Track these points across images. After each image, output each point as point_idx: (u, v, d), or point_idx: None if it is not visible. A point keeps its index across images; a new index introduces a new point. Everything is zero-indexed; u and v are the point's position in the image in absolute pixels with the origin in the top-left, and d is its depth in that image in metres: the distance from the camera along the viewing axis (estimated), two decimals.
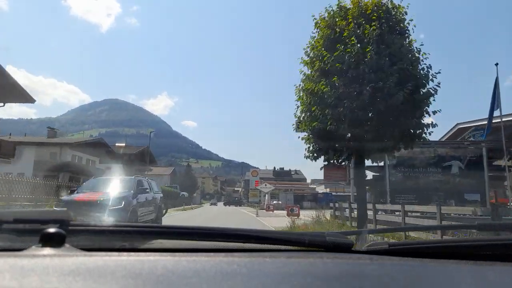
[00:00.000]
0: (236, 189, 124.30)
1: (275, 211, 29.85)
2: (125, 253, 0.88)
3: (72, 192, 10.93)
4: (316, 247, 0.99)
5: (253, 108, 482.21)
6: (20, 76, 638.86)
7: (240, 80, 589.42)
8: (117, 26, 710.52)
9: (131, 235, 1.04)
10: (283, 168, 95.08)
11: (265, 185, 28.34)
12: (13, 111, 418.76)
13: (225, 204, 64.16)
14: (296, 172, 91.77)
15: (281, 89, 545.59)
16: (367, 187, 10.55)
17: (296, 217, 20.41)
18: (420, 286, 0.76)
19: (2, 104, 21.03)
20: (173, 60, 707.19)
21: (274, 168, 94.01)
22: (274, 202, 37.58)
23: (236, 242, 1.01)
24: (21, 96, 21.81)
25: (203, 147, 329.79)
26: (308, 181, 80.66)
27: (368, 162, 9.24)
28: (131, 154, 44.04)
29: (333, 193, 53.25)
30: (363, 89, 7.27)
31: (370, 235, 2.16)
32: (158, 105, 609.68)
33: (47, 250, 0.85)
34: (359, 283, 0.74)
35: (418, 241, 1.03)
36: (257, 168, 63.92)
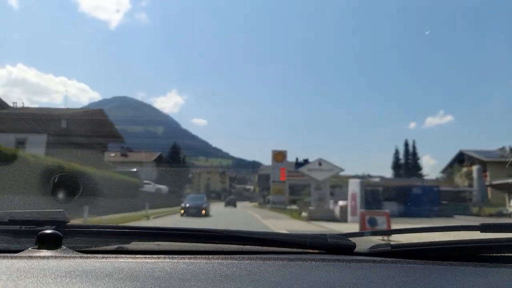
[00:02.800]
0: (247, 187, 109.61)
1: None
2: (122, 255, 0.88)
3: None
4: (318, 249, 0.98)
5: (265, 105, 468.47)
6: (31, 74, 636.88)
7: (252, 78, 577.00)
8: (126, 22, 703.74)
9: (129, 237, 1.02)
10: (308, 159, 73.13)
11: (319, 164, 12.01)
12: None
13: (226, 205, 44.94)
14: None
15: (293, 86, 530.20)
16: None
17: None
18: None
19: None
20: (183, 56, 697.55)
21: (296, 159, 72.25)
22: (342, 202, 17.89)
23: (235, 244, 1.00)
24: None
25: (213, 145, 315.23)
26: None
27: None
28: (67, 119, 22.43)
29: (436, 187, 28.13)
30: None
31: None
32: (167, 103, 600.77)
33: (44, 252, 0.85)
34: (362, 285, 0.73)
35: (421, 242, 1.01)
36: (283, 150, 43.73)
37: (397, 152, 60.15)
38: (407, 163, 58.34)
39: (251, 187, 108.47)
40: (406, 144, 60.30)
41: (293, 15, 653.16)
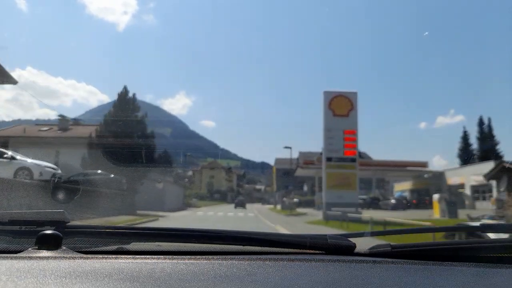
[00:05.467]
0: (257, 187, 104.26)
1: None
2: (122, 256, 0.89)
3: None
4: (318, 249, 0.98)
5: (273, 106, 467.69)
6: (40, 78, 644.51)
7: (260, 79, 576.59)
8: (134, 24, 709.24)
9: (129, 238, 1.03)
10: None
11: None
12: (36, 113, 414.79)
13: (236, 206, 42.97)
14: (360, 154, 57.40)
15: (301, 86, 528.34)
16: None
17: None
18: None
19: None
20: (191, 58, 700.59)
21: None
22: None
23: (236, 245, 1.00)
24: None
25: (221, 147, 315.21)
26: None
27: None
28: None
29: None
30: None
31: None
32: (176, 105, 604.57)
33: (44, 252, 0.85)
34: (362, 286, 0.73)
35: (421, 243, 1.01)
36: (352, 92, 23.83)
37: (465, 136, 42.66)
38: (482, 149, 41.06)
39: (262, 187, 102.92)
40: (481, 123, 42.06)
41: (300, 17, 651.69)
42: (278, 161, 67.60)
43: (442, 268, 0.84)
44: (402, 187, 45.57)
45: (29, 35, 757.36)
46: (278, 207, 37.26)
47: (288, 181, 55.74)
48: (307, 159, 38.33)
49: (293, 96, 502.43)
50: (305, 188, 46.09)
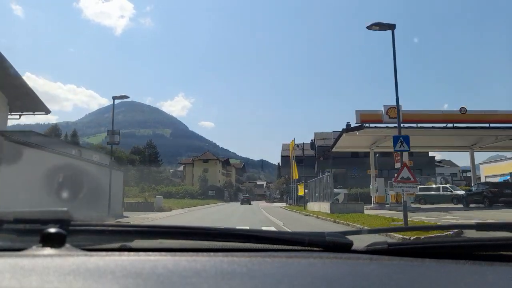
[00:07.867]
0: (259, 183, 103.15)
1: None
2: (125, 253, 0.90)
3: None
4: (316, 247, 1.00)
5: (271, 106, 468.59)
6: (39, 83, 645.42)
7: (257, 80, 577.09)
8: (132, 28, 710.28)
9: (132, 235, 1.04)
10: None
11: None
12: (36, 118, 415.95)
13: (242, 203, 46.91)
14: None
15: (300, 86, 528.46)
16: None
17: None
18: (419, 286, 0.76)
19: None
20: (189, 60, 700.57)
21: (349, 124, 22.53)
22: None
23: (236, 242, 1.02)
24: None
25: (220, 146, 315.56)
26: None
27: None
28: None
29: None
30: None
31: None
32: (175, 106, 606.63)
33: (48, 250, 0.86)
34: (359, 283, 0.75)
35: (417, 240, 1.03)
36: None
37: None
38: None
39: (264, 183, 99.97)
40: None
41: (297, 18, 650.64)
42: (286, 147, 55.66)
43: (439, 266, 0.85)
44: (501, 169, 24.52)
45: (27, 41, 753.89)
46: (317, 206, 23.13)
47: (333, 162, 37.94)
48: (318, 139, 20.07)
49: (292, 96, 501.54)
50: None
